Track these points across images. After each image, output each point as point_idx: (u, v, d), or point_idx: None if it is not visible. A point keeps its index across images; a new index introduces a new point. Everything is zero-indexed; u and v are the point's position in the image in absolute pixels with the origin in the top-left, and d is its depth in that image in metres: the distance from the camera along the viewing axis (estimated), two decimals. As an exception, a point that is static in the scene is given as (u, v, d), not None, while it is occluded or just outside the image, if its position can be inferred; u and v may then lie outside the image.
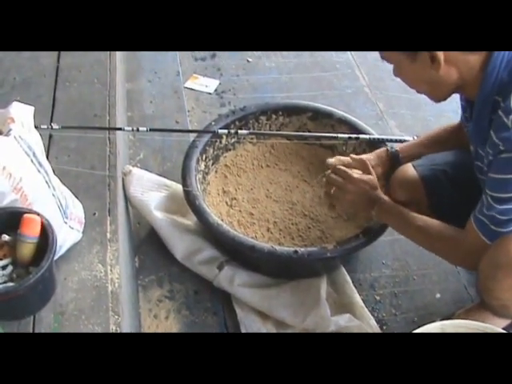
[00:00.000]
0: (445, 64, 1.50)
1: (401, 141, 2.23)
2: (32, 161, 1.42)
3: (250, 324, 1.96)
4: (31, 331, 1.43)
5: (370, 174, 1.89)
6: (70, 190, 1.69)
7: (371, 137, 2.21)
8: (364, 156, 2.04)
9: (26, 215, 1.41)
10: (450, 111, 2.74)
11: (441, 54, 1.48)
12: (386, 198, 1.84)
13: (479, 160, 1.62)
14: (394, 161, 2.04)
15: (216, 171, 2.39)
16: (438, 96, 1.68)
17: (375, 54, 3.27)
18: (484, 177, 1.56)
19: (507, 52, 1.47)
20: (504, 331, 1.59)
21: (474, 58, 1.50)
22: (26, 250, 1.41)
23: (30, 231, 1.40)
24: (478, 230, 1.55)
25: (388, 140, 2.23)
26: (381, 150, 2.06)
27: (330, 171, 1.94)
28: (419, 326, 1.60)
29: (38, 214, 1.42)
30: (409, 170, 1.99)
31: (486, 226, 1.52)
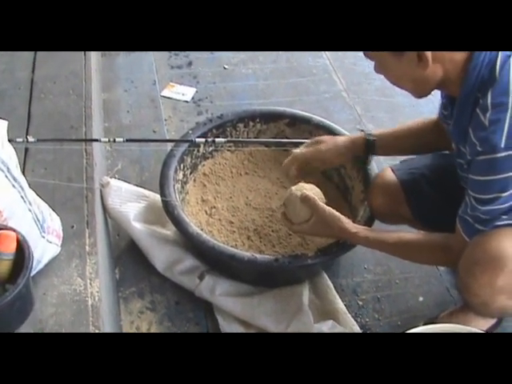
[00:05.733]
0: (432, 62, 1.50)
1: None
2: (6, 176, 1.40)
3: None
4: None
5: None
6: (47, 204, 1.67)
7: (349, 142, 2.20)
8: (339, 139, 2.04)
9: (0, 231, 1.39)
10: (428, 113, 2.74)
11: (429, 54, 1.48)
12: (351, 229, 1.82)
13: (461, 157, 1.63)
14: (369, 149, 2.01)
15: (194, 180, 2.37)
16: (421, 92, 1.67)
17: (352, 59, 3.35)
18: (465, 174, 1.57)
19: None
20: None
21: (458, 56, 1.51)
22: (2, 267, 1.39)
23: (6, 248, 1.38)
24: (461, 229, 1.57)
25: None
26: (357, 137, 2.02)
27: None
28: (403, 331, 1.60)
29: (14, 230, 1.40)
30: (388, 174, 2.00)
31: (469, 224, 1.54)
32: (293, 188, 1.95)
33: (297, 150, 2.07)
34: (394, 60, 1.55)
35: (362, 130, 2.05)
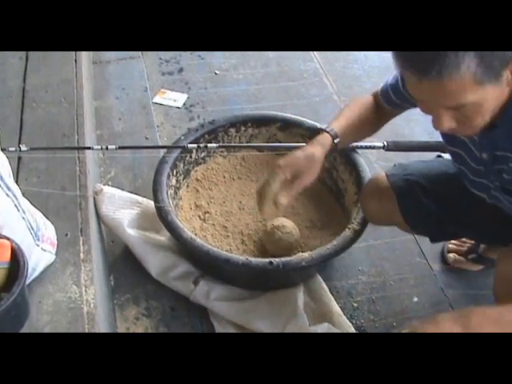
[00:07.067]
0: None
1: (371, 147, 2.24)
2: (-1, 185, 1.41)
3: (229, 338, 1.96)
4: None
5: None
6: (41, 212, 1.67)
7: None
8: (312, 150, 1.81)
9: (-5, 240, 1.39)
10: (418, 114, 2.73)
11: None
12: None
13: (504, 163, 1.48)
14: (334, 149, 1.87)
15: (187, 186, 2.38)
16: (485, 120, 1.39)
17: (342, 62, 3.35)
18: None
19: None
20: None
21: None
22: (-3, 275, 1.39)
23: (0, 256, 1.38)
24: None
25: (358, 147, 2.23)
26: (325, 139, 1.82)
27: None
28: (398, 331, 1.61)
29: (8, 239, 1.41)
30: (381, 180, 1.96)
31: None
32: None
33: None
34: (492, 86, 1.27)
35: (324, 130, 1.85)
